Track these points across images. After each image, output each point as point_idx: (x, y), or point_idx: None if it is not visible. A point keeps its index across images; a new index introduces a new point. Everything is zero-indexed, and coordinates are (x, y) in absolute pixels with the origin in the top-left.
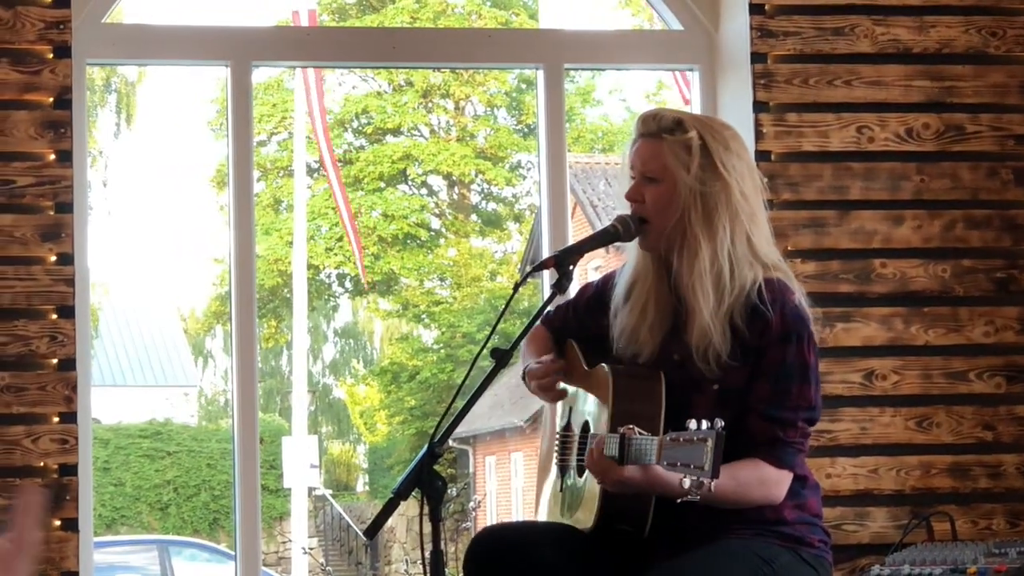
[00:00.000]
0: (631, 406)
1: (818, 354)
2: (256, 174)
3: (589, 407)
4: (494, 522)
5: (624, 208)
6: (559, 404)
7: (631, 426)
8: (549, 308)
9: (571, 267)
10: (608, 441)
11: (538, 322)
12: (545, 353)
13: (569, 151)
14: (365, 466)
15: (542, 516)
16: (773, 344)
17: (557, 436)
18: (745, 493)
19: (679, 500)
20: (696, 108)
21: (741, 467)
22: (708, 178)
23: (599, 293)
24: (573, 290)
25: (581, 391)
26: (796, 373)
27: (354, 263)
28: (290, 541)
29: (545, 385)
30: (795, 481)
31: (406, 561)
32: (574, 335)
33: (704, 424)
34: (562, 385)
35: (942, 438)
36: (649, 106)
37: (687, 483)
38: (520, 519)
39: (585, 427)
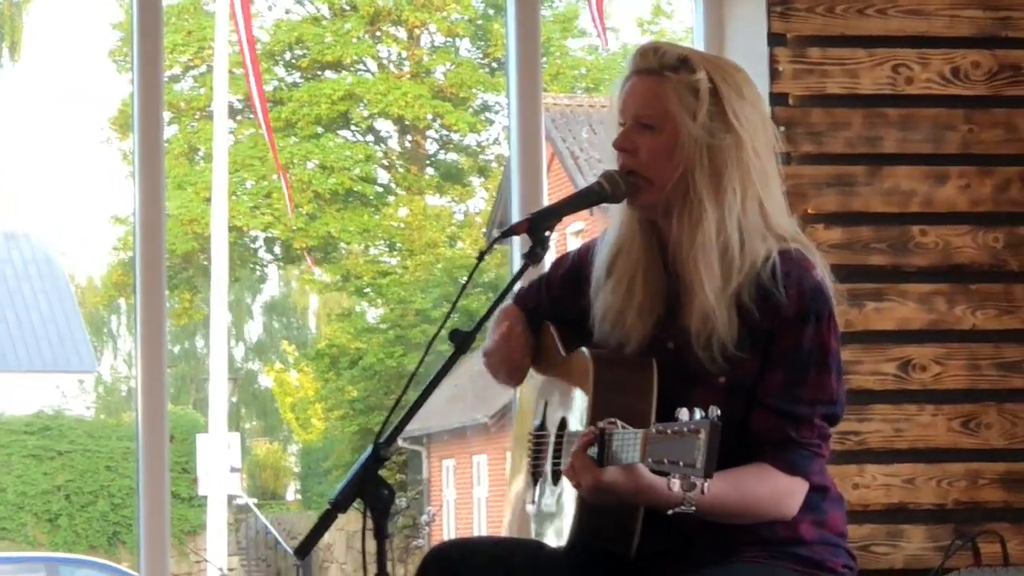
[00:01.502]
0: (616, 398)
1: (840, 339)
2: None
3: (566, 401)
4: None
5: (612, 161)
6: (533, 399)
7: (613, 420)
8: (520, 283)
9: (547, 232)
10: (586, 439)
11: (509, 299)
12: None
13: (545, 91)
14: (297, 470)
15: (509, 532)
16: (787, 325)
17: (530, 437)
18: (750, 504)
19: (670, 512)
20: (698, 43)
21: (744, 473)
22: (717, 129)
23: (576, 267)
24: (549, 261)
25: (558, 382)
26: (813, 359)
27: (287, 225)
28: (205, 560)
29: (507, 358)
30: (814, 493)
31: None
32: (549, 318)
33: (697, 414)
34: (531, 371)
35: (992, 442)
36: (645, 37)
37: (675, 485)
38: (483, 535)
39: (562, 425)
